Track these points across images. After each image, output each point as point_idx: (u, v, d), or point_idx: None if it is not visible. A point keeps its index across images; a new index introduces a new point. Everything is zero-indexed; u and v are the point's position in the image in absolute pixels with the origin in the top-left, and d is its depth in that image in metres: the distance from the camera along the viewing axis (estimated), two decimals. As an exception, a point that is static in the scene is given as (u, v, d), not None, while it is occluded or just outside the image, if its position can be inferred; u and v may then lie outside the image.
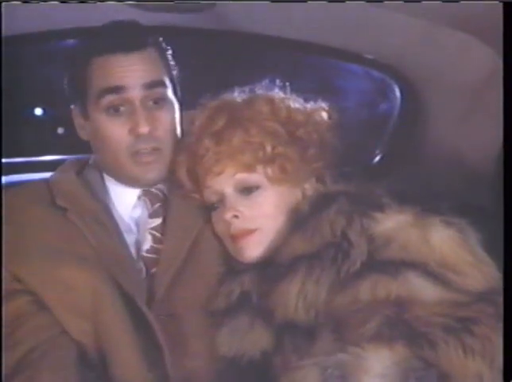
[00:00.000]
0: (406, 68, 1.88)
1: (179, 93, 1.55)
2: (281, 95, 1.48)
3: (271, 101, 1.46)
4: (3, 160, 1.70)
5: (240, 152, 1.41)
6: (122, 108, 1.47)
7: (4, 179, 1.72)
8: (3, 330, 1.34)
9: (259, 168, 1.42)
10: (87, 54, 1.48)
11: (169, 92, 1.51)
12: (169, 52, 1.55)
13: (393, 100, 2.06)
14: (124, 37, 1.47)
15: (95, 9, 1.61)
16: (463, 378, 1.15)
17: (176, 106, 1.53)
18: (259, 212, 1.41)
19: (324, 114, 1.48)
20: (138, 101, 1.46)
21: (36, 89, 2.64)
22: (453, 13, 1.57)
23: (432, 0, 1.53)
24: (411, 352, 1.16)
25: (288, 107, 1.46)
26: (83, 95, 1.49)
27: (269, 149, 1.41)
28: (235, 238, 1.42)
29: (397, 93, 2.03)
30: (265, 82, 1.49)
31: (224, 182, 1.42)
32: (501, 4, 1.29)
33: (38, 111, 2.72)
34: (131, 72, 1.46)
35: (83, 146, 1.58)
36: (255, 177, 1.42)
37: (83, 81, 1.49)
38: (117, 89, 1.45)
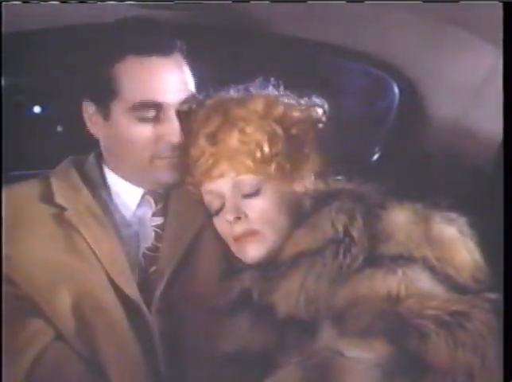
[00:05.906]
0: (405, 66, 1.89)
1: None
2: (275, 92, 1.47)
3: (265, 100, 1.45)
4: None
5: (238, 153, 1.40)
6: (153, 116, 1.45)
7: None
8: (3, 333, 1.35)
9: (258, 168, 1.41)
10: (112, 53, 1.45)
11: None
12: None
13: (392, 98, 2.06)
14: (152, 38, 1.45)
15: (94, 8, 1.61)
16: (451, 371, 1.15)
17: None
18: (262, 214, 1.41)
19: (319, 111, 1.49)
20: (173, 112, 1.46)
21: (35, 87, 2.64)
22: (453, 13, 1.57)
23: (432, 1, 1.54)
24: (396, 349, 1.15)
25: (283, 104, 1.46)
26: (108, 95, 1.46)
27: (266, 149, 1.41)
28: (238, 239, 1.42)
29: (396, 91, 2.03)
30: (259, 80, 1.49)
31: (225, 185, 1.42)
32: (501, 4, 1.30)
33: (37, 109, 2.72)
34: (167, 85, 1.45)
35: (82, 144, 1.58)
36: (256, 181, 1.42)
37: (109, 81, 1.45)
38: (154, 105, 1.44)
